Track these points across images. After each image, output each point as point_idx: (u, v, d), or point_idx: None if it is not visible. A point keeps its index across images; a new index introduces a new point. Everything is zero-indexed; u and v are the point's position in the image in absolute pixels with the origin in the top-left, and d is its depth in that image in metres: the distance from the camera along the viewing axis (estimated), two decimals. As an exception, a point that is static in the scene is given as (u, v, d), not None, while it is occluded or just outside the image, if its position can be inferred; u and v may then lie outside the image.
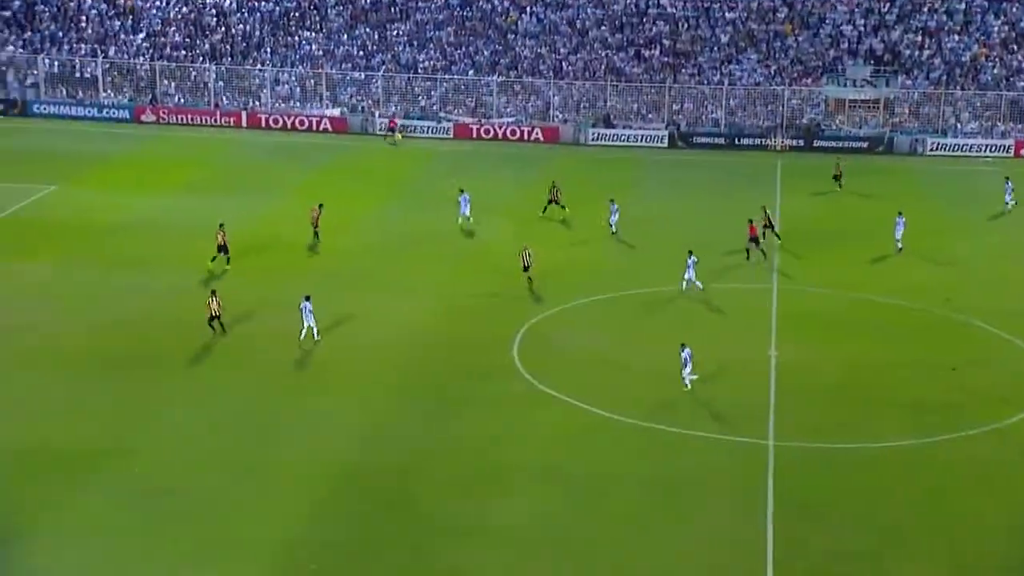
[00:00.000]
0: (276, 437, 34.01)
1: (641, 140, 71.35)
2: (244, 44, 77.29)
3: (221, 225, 46.49)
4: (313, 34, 77.86)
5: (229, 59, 76.51)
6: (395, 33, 77.62)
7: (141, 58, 76.25)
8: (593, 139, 71.58)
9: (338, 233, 51.65)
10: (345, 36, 77.63)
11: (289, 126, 72.51)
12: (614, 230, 51.76)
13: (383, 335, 41.22)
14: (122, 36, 77.46)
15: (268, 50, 76.85)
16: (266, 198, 55.40)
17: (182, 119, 72.99)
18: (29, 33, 77.43)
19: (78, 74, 75.67)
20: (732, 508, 30.90)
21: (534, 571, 28.34)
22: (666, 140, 71.09)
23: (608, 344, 41.13)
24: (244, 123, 72.64)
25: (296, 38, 77.67)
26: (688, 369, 37.09)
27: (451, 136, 71.84)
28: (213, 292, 40.43)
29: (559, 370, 38.46)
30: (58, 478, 31.41)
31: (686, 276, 44.93)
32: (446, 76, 74.90)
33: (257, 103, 74.63)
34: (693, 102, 73.44)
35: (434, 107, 74.11)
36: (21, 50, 76.40)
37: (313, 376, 37.92)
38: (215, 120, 72.83)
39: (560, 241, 51.18)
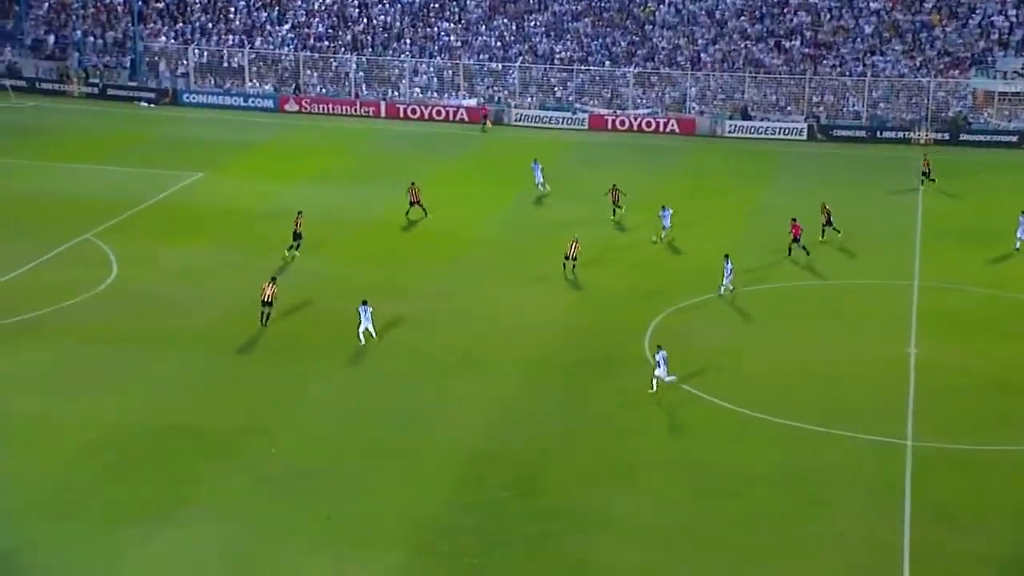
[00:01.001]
0: (413, 422, 34.40)
1: (779, 133, 70.05)
2: (385, 35, 78.33)
3: (299, 213, 47.00)
4: (452, 25, 78.45)
5: (370, 50, 77.63)
6: (532, 24, 77.72)
7: (286, 48, 77.86)
8: (730, 131, 70.58)
9: (473, 223, 51.98)
10: (483, 27, 78.04)
11: (426, 116, 73.21)
12: (660, 239, 49.27)
13: (518, 324, 41.35)
14: (268, 27, 79.21)
15: (408, 41, 77.74)
16: (400, 187, 55.86)
17: (323, 109, 74.30)
18: (180, 24, 79.67)
19: (225, 64, 77.62)
20: (868, 508, 30.18)
21: (663, 565, 28.11)
22: (805, 133, 69.65)
23: (741, 339, 40.56)
24: (383, 113, 73.60)
25: (435, 29, 78.37)
26: (662, 370, 35.89)
27: (586, 127, 71.65)
28: (272, 279, 40.65)
29: (691, 363, 38.07)
30: (202, 456, 32.33)
31: (724, 281, 43.20)
32: (582, 67, 74.73)
33: (396, 93, 75.57)
34: (834, 94, 71.84)
35: (569, 98, 74.01)
36: (173, 41, 78.69)
37: (451, 364, 38.22)
38: (355, 110, 73.95)
39: (694, 235, 50.56)
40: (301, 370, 37.61)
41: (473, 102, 73.93)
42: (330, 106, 74.31)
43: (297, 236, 46.86)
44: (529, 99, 74.25)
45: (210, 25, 79.54)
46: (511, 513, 29.99)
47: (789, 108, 71.79)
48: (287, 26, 79.10)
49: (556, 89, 74.71)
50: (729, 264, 43.36)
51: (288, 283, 43.86)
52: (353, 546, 28.48)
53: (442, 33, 78.04)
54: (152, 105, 74.72)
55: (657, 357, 35.95)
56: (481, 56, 76.53)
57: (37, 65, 78.08)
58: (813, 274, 45.74)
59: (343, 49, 77.58)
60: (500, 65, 75.63)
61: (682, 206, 51.83)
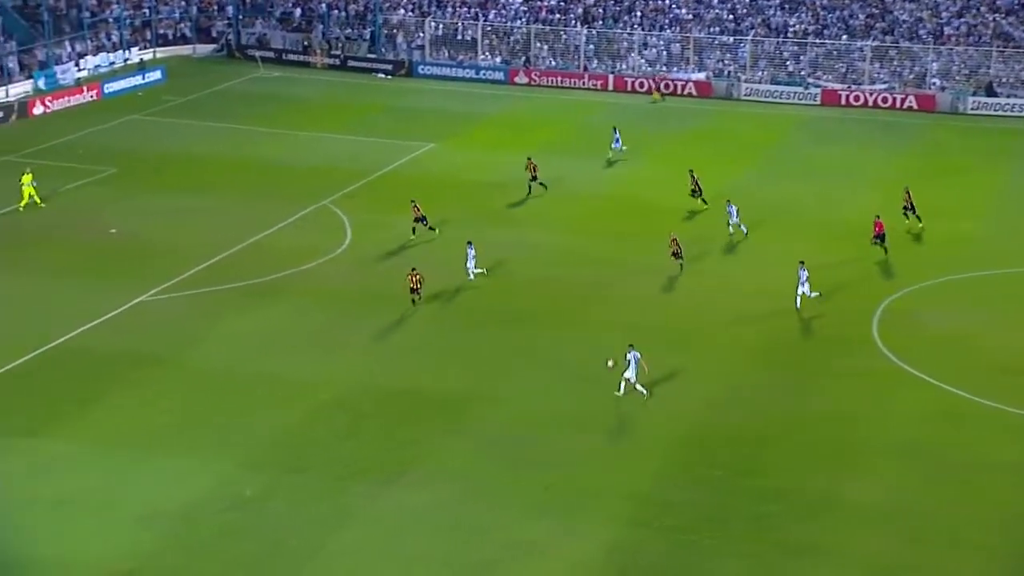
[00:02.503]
0: (632, 395, 34.44)
1: (1026, 110, 66.40)
2: (616, 8, 78.11)
3: (413, 201, 46.71)
4: (683, -2, 77.61)
5: (600, 23, 77.58)
6: (766, -4, 76.06)
7: (518, 22, 78.67)
8: (972, 108, 67.29)
9: (696, 199, 51.48)
10: (715, 0, 76.84)
11: (653, 90, 72.65)
12: (731, 232, 46.61)
13: (740, 303, 40.78)
14: (501, 0, 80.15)
15: (638, 13, 77.29)
16: (620, 162, 55.81)
17: (552, 81, 74.75)
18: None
19: (459, 37, 79.07)
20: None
21: (888, 552, 27.38)
22: (1054, 110, 65.81)
23: (974, 325, 38.84)
24: (610, 86, 73.51)
25: (666, 1, 77.62)
26: (632, 371, 33.75)
27: (818, 102, 69.68)
28: (413, 269, 40.32)
29: (920, 349, 36.72)
30: (428, 420, 33.28)
31: (800, 291, 39.56)
32: (817, 40, 72.64)
33: (623, 66, 75.34)
34: (1088, 70, 67.59)
35: (802, 72, 72.12)
36: (411, 14, 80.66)
37: (669, 339, 38.06)
38: (583, 83, 74.12)
39: (931, 216, 48.57)
40: (526, 338, 38.14)
41: (702, 75, 72.97)
42: (558, 79, 74.71)
43: (419, 220, 45.78)
44: (760, 73, 72.77)
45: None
46: (729, 492, 29.72)
47: (1038, 84, 67.95)
48: (520, -1, 79.89)
49: (788, 63, 72.92)
50: (804, 272, 39.73)
51: (515, 254, 44.60)
52: (570, 515, 28.81)
53: (673, 5, 77.22)
54: (389, 77, 76.87)
55: (628, 356, 34.11)
56: (712, 29, 75.38)
57: (284, 37, 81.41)
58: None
59: (574, 22, 77.81)
60: (731, 38, 74.34)
61: (920, 185, 49.82)
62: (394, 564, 27.15)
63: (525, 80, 75.06)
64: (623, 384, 34.07)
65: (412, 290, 39.92)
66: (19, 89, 69.09)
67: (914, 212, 47.06)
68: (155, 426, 32.76)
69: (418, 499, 29.48)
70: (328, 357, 36.88)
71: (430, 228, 46.42)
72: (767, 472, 30.59)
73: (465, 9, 79.93)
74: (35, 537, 27.65)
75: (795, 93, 70.48)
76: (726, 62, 74.02)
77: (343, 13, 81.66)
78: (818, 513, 28.76)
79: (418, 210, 46.20)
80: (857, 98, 69.21)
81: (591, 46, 76.35)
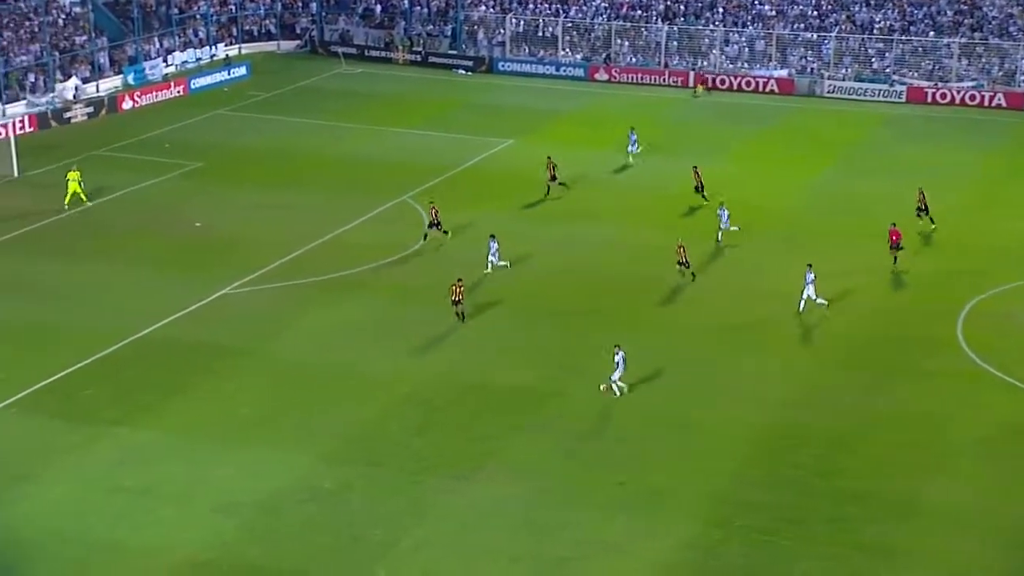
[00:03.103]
0: (706, 393, 34.19)
1: (1120, 108, 64.64)
2: (698, 4, 77.50)
3: (431, 202, 46.42)
4: (766, -6, 76.74)
5: (681, 19, 77.03)
6: (852, -8, 74.94)
7: (599, 18, 78.40)
8: (1063, 106, 65.73)
9: (775, 197, 50.91)
10: (799, -4, 75.93)
11: (735, 87, 72.01)
12: (720, 238, 45.02)
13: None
14: (581, -3, 80.00)
15: (720, 10, 76.60)
16: (701, 159, 55.19)
17: (632, 78, 74.39)
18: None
19: (540, 33, 79.03)
20: None
21: (969, 555, 26.89)
22: None
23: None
24: (690, 83, 72.94)
25: (749, -2, 76.90)
26: (620, 372, 33.43)
27: (903, 100, 68.48)
28: (459, 280, 39.32)
29: (1007, 351, 35.93)
30: (502, 416, 33.31)
31: (805, 294, 38.81)
32: (903, 37, 71.39)
33: (705, 63, 74.71)
34: None
35: (887, 69, 70.93)
36: (492, 10, 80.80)
37: (745, 338, 37.71)
38: (663, 80, 73.68)
39: (1015, 218, 47.53)
40: (596, 334, 37.90)
41: (784, 72, 72.11)
42: (638, 75, 74.31)
43: (433, 225, 45.10)
44: (844, 71, 71.70)
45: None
46: (808, 493, 29.36)
47: None
48: (600, -4, 79.62)
49: (873, 60, 71.75)
50: (810, 275, 38.95)
51: (589, 249, 44.54)
52: (646, 513, 28.67)
53: (756, 2, 76.39)
54: (469, 73, 77.10)
55: (616, 358, 33.70)
56: (796, 26, 74.44)
57: (367, 33, 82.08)
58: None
59: (655, 18, 77.35)
60: (815, 35, 73.34)
61: (1009, 184, 48.76)
62: (467, 559, 27.20)
63: (605, 77, 74.78)
64: (614, 385, 33.78)
65: (454, 302, 38.55)
66: (109, 84, 70.50)
67: (927, 213, 46.13)
68: (236, 417, 33.21)
69: (492, 494, 29.52)
70: (404, 352, 37.07)
71: (444, 232, 45.52)
72: (846, 473, 30.16)
73: (546, 6, 79.85)
74: (119, 524, 28.19)
75: (880, 91, 69.36)
76: (809, 59, 73.06)
77: (424, 9, 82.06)
78: (899, 515, 28.30)
79: (435, 213, 45.48)
80: (944, 96, 67.92)
81: (673, 43, 75.83)
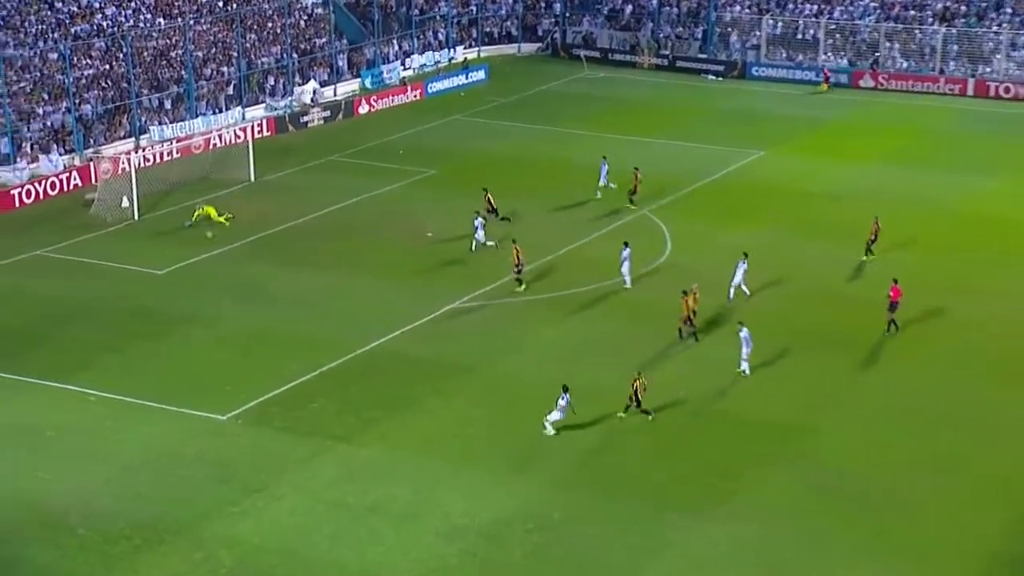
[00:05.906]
0: (973, 433, 32.84)
1: None
2: (981, 4, 74.41)
3: (485, 190, 48.14)
4: (1062, -8, 73.11)
5: (961, 21, 74.14)
6: None
7: (866, 19, 76.35)
8: None
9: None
10: (1101, -7, 71.98)
11: (1021, 96, 68.78)
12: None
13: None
14: (847, -4, 78.13)
15: (1008, 10, 73.30)
16: (974, 175, 53.06)
17: (901, 85, 72.13)
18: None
19: (799, 36, 77.57)
20: None
21: None
22: None
23: None
24: (969, 91, 70.13)
25: (1039, -3, 73.40)
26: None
27: None
28: (686, 292, 39.11)
29: None
30: (747, 449, 32.83)
31: (733, 282, 41.12)
32: None
33: (987, 69, 71.63)
34: None
35: None
36: (747, 11, 79.82)
37: (1013, 372, 35.99)
38: (937, 87, 71.12)
39: None
40: (844, 367, 37.08)
41: (1078, 80, 68.48)
42: (909, 82, 72.01)
43: (489, 219, 47.74)
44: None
45: (786, -7, 79.88)
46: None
47: None
48: (869, -6, 77.60)
49: None
50: (744, 264, 41.44)
51: (838, 274, 43.43)
52: (902, 563, 27.68)
53: (1047, 1, 72.90)
54: (719, 78, 76.44)
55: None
56: (1093, 27, 70.63)
57: (611, 35, 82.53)
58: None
59: (931, 19, 74.73)
60: (1116, 38, 69.36)
61: None
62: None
63: (871, 84, 72.78)
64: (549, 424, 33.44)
65: (686, 319, 38.86)
66: (346, 88, 73.37)
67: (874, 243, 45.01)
68: (462, 437, 33.87)
69: (734, 533, 29.10)
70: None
71: (502, 219, 48.59)
72: None
73: (807, 6, 78.33)
74: (341, 543, 29.12)
75: None
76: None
77: (675, 10, 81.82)
78: None
79: (490, 202, 48.52)
80: None
81: (953, 47, 72.98)
